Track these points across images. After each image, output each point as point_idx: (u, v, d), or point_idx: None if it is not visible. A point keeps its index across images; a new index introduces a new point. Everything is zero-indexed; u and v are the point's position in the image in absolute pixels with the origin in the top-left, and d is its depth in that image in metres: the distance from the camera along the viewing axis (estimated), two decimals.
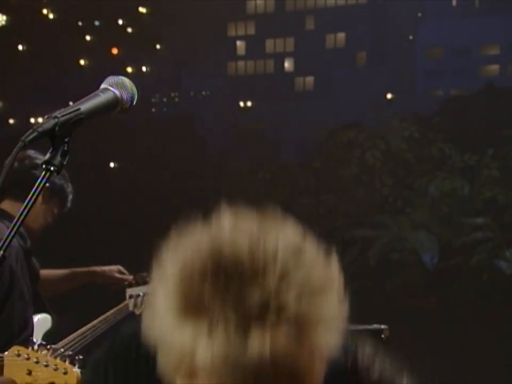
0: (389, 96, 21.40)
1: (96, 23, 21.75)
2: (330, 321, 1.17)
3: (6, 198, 3.51)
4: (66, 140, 1.49)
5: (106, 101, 1.56)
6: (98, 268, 3.93)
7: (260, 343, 1.11)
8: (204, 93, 24.27)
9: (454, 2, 23.42)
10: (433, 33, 22.51)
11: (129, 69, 21.72)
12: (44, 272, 3.90)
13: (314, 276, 1.16)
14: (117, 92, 1.58)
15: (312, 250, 1.18)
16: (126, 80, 1.61)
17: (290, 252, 1.15)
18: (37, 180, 3.52)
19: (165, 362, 1.14)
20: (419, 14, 23.28)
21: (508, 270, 15.76)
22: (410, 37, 23.15)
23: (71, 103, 1.51)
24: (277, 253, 1.13)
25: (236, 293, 1.11)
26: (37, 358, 2.30)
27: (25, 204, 1.45)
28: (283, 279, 1.13)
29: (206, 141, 20.24)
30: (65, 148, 1.49)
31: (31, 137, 1.45)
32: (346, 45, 23.14)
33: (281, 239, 1.15)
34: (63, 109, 1.50)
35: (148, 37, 21.71)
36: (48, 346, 2.34)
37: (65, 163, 1.48)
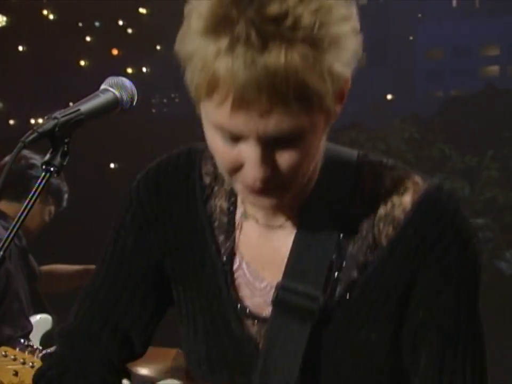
0: (389, 97, 21.41)
1: (96, 24, 21.75)
2: (344, 51, 1.28)
3: (2, 199, 3.52)
4: (66, 140, 1.49)
5: (106, 101, 1.56)
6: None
7: (275, 57, 1.22)
8: None
9: (454, 3, 23.43)
10: (433, 34, 22.52)
11: (129, 70, 21.71)
12: (57, 268, 3.93)
13: (334, 7, 1.28)
14: (117, 93, 1.58)
15: None
16: (126, 81, 1.62)
17: (320, 3, 1.26)
18: (33, 180, 3.53)
19: (192, 81, 1.29)
20: (419, 15, 23.30)
21: (508, 271, 15.75)
22: (411, 38, 23.17)
23: (71, 103, 1.51)
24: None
25: (257, 8, 1.22)
26: (23, 359, 2.30)
27: (24, 205, 1.46)
28: (299, 3, 1.24)
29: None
30: (65, 149, 1.49)
31: (31, 138, 1.45)
32: None
33: None
34: (63, 110, 1.50)
35: (148, 37, 21.71)
36: (35, 347, 2.36)
37: (65, 164, 1.48)
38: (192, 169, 1.50)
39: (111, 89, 1.55)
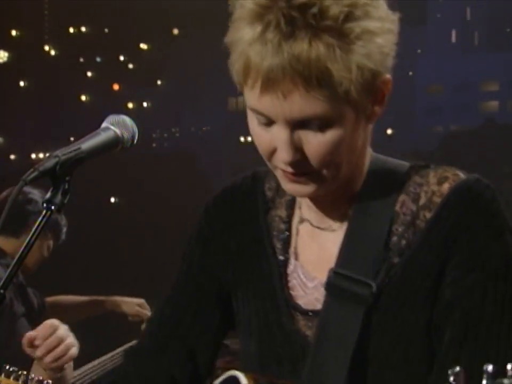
0: (389, 131, 21.47)
1: (98, 59, 21.89)
2: (373, 47, 1.35)
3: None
4: (67, 178, 1.49)
5: (107, 139, 1.56)
6: (119, 298, 3.91)
7: (300, 43, 1.31)
8: (204, 128, 24.35)
9: (454, 39, 23.59)
10: (432, 70, 22.64)
11: (130, 104, 21.81)
12: (62, 299, 3.90)
13: (369, 5, 1.36)
14: (117, 131, 1.58)
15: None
16: (127, 119, 1.61)
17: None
18: (31, 215, 3.48)
19: (233, 67, 1.39)
20: (418, 51, 23.42)
21: None
22: (410, 73, 23.28)
23: (72, 138, 1.51)
24: None
25: (285, 11, 1.33)
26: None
27: (25, 243, 1.45)
28: (331, 3, 1.33)
29: (207, 176, 20.28)
30: (66, 187, 1.48)
31: (32, 176, 1.44)
32: None
33: None
34: (64, 148, 1.50)
35: (149, 72, 21.84)
36: (20, 372, 2.35)
37: (66, 202, 1.48)
38: (256, 186, 1.57)
39: (112, 127, 1.55)
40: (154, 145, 22.74)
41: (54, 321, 2.17)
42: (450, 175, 1.47)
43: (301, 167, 1.39)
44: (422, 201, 1.45)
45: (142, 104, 22.61)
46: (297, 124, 1.36)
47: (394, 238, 1.45)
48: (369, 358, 1.41)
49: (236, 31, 1.38)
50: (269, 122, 1.38)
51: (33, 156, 20.19)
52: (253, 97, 1.38)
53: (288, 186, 1.43)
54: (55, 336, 2.18)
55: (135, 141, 1.62)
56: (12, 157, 20.99)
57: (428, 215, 1.43)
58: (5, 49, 20.92)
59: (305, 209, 1.51)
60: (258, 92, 1.35)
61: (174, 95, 22.81)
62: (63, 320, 3.97)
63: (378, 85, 1.40)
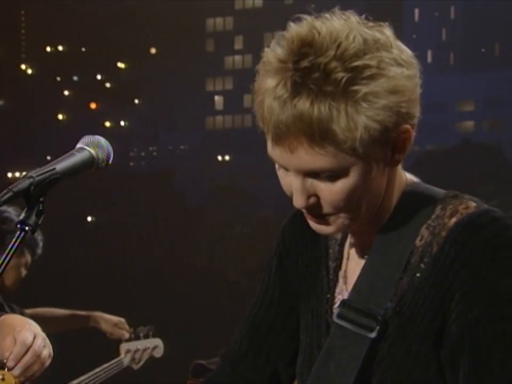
0: None
1: (74, 78, 21.86)
2: (377, 107, 1.37)
3: None
4: (41, 199, 1.49)
5: (81, 160, 1.55)
6: (99, 315, 3.89)
7: (303, 104, 1.37)
8: (182, 147, 24.36)
9: (429, 59, 23.78)
10: None
11: (107, 123, 21.78)
12: (44, 311, 3.87)
13: (378, 66, 1.39)
14: (92, 151, 1.58)
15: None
16: (101, 140, 1.62)
17: (356, 48, 1.40)
18: (6, 235, 3.42)
19: (256, 114, 1.45)
20: None
21: None
22: None
23: (49, 157, 1.52)
24: (344, 44, 1.40)
25: (297, 60, 1.40)
26: None
27: None
28: (339, 58, 1.39)
29: (184, 194, 20.26)
30: (40, 207, 1.48)
31: (6, 197, 1.44)
32: None
33: (357, 37, 1.42)
34: (38, 169, 1.50)
35: (126, 91, 21.83)
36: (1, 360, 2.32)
37: (40, 223, 1.48)
38: None
39: (87, 148, 1.55)
40: (131, 164, 22.72)
41: (27, 338, 2.14)
42: (462, 208, 1.48)
43: (317, 211, 1.44)
44: (435, 233, 1.47)
45: (119, 123, 22.60)
46: (308, 174, 1.41)
47: (409, 270, 1.47)
48: None
49: (260, 80, 1.44)
50: (285, 168, 1.45)
51: (9, 174, 20.09)
52: (269, 146, 1.45)
53: (312, 224, 1.49)
54: (30, 351, 2.16)
55: (110, 162, 1.62)
56: None
57: (435, 249, 1.46)
58: None
59: (353, 235, 1.56)
60: (271, 142, 1.43)
61: (151, 114, 22.81)
62: (44, 331, 3.94)
63: (394, 136, 1.41)
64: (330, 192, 1.41)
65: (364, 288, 1.49)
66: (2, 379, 2.19)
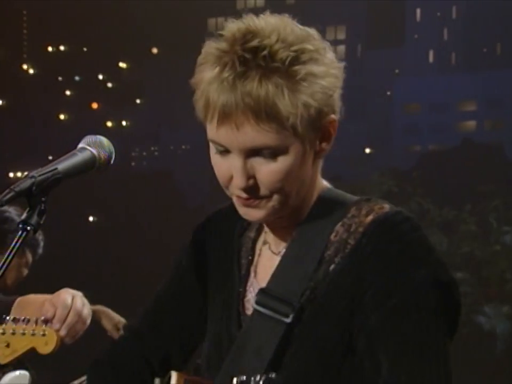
0: (367, 150, 21.56)
1: (76, 78, 21.86)
2: (317, 88, 1.53)
3: None
4: (43, 199, 1.49)
5: (83, 160, 1.57)
6: (102, 309, 3.87)
7: (251, 81, 1.50)
8: (184, 147, 24.34)
9: (431, 59, 23.77)
10: (410, 89, 22.78)
11: (109, 123, 21.77)
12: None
13: (314, 52, 1.55)
14: (94, 151, 1.59)
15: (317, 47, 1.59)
16: (103, 140, 1.63)
17: (295, 36, 1.56)
18: (7, 235, 3.45)
19: (196, 106, 1.59)
20: (396, 70, 23.57)
21: (486, 325, 15.74)
22: (388, 93, 23.42)
23: (50, 157, 1.52)
24: (283, 32, 1.56)
25: (242, 43, 1.54)
26: (13, 329, 2.36)
27: (1, 264, 1.45)
28: (281, 41, 1.53)
29: (185, 194, 20.26)
30: (42, 207, 1.49)
31: (8, 197, 1.45)
32: None
33: (294, 29, 1.59)
34: (40, 169, 1.51)
35: (128, 91, 21.82)
36: (23, 318, 2.38)
37: (42, 222, 1.48)
38: (237, 211, 1.72)
39: (88, 148, 1.56)
40: (133, 163, 22.69)
41: (66, 300, 2.22)
42: (376, 208, 1.61)
43: (253, 192, 1.56)
44: (351, 230, 1.59)
45: (121, 123, 22.58)
46: (250, 153, 1.54)
47: (324, 263, 1.59)
48: (283, 372, 1.53)
49: (199, 73, 1.57)
50: (226, 151, 1.57)
51: (11, 174, 20.09)
52: (211, 130, 1.57)
53: (242, 211, 1.61)
54: (71, 311, 2.23)
55: (112, 162, 1.63)
56: None
57: (352, 242, 1.58)
58: None
59: (268, 233, 1.68)
60: (216, 124, 1.54)
61: (153, 114, 22.81)
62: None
63: (324, 124, 1.57)
64: (269, 171, 1.54)
65: (281, 278, 1.60)
66: (43, 334, 2.25)
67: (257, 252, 1.69)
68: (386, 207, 1.61)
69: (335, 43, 23.74)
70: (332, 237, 1.60)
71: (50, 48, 21.50)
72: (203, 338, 1.75)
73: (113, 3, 19.33)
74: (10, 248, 1.44)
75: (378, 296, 1.51)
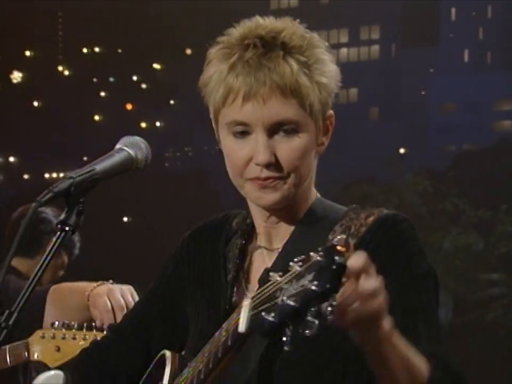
0: (401, 151, 21.44)
1: (111, 79, 21.99)
2: (326, 71, 1.66)
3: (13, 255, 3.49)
4: (81, 199, 1.49)
5: (121, 161, 1.57)
6: None
7: (276, 58, 1.63)
8: (217, 147, 24.36)
9: (466, 59, 23.59)
10: (445, 89, 22.63)
11: (143, 124, 21.88)
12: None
13: (316, 42, 1.69)
14: (131, 152, 1.59)
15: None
16: (140, 140, 1.63)
17: (300, 32, 1.68)
18: (44, 235, 3.46)
19: (210, 99, 1.67)
20: (431, 70, 23.43)
21: None
22: (423, 92, 23.27)
23: (85, 158, 1.53)
24: (291, 27, 1.68)
25: (262, 28, 1.66)
26: (63, 334, 2.37)
27: (39, 265, 1.45)
28: (293, 30, 1.67)
29: (219, 194, 20.28)
30: (80, 208, 1.49)
31: (46, 197, 1.45)
32: (359, 100, 23.28)
33: (298, 27, 1.70)
34: (78, 169, 1.51)
35: (162, 92, 21.91)
36: (73, 323, 2.38)
37: (80, 223, 1.48)
38: (226, 221, 1.84)
39: (126, 148, 1.56)
40: (167, 164, 22.78)
41: (106, 305, 2.22)
42: (376, 212, 1.71)
43: (273, 170, 1.65)
44: (351, 231, 1.69)
45: (154, 124, 22.68)
46: (273, 128, 1.64)
47: None
48: (281, 360, 1.59)
49: (210, 70, 1.66)
50: (245, 132, 1.66)
51: (46, 175, 20.26)
52: (233, 110, 1.65)
53: (257, 195, 1.68)
54: (116, 311, 2.23)
55: (149, 162, 1.63)
56: (26, 176, 21.07)
57: (354, 240, 1.66)
58: (19, 69, 21.05)
59: (261, 236, 1.75)
60: (240, 103, 1.63)
61: (186, 114, 22.87)
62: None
63: (327, 116, 1.70)
64: (290, 147, 1.64)
65: (284, 262, 1.59)
66: (84, 338, 2.25)
67: (247, 257, 1.76)
68: (384, 210, 1.71)
69: (369, 43, 23.64)
70: (330, 235, 1.68)
71: (85, 50, 21.66)
72: (184, 344, 1.81)
73: (147, 5, 19.42)
74: (49, 249, 1.44)
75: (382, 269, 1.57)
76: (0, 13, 18.18)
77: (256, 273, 1.73)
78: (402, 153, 21.33)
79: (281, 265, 1.61)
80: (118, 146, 1.59)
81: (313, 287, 1.30)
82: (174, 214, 18.49)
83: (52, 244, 1.45)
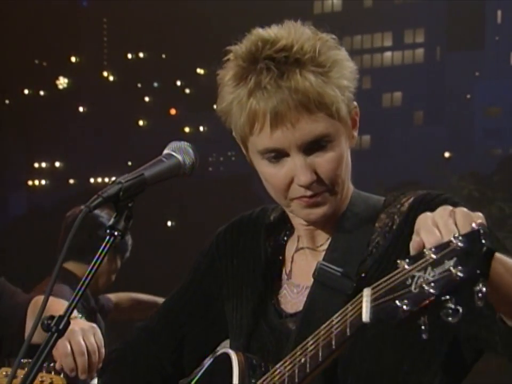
0: (446, 154, 21.27)
1: (155, 84, 22.12)
2: (345, 70, 1.63)
3: (70, 259, 3.51)
4: (130, 204, 1.50)
5: (169, 166, 1.57)
6: None
7: (293, 77, 1.57)
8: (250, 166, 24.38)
9: None
10: (491, 92, 22.40)
11: (186, 129, 21.98)
12: (137, 297, 3.93)
13: (327, 41, 1.65)
14: (179, 158, 1.59)
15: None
16: (188, 146, 1.63)
17: (308, 34, 1.65)
18: (101, 241, 3.45)
19: (236, 126, 1.62)
20: (477, 73, 23.21)
21: None
22: (468, 96, 23.06)
23: (130, 163, 1.53)
24: (298, 32, 1.64)
25: (269, 46, 1.60)
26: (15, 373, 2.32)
27: (89, 270, 1.46)
28: (302, 37, 1.65)
29: (263, 199, 20.28)
30: (129, 213, 1.50)
31: (96, 202, 1.46)
32: (403, 104, 23.13)
33: (304, 29, 1.66)
34: (126, 175, 1.51)
35: (205, 97, 21.96)
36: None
37: (128, 228, 1.49)
38: (264, 215, 1.82)
39: (174, 154, 1.57)
40: (210, 169, 22.85)
41: (80, 346, 2.06)
42: (414, 193, 1.72)
43: (317, 187, 1.63)
44: (395, 217, 1.69)
45: (198, 128, 22.76)
46: (308, 147, 1.61)
47: (373, 244, 1.68)
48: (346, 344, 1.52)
49: (227, 96, 1.62)
50: (280, 156, 1.62)
51: (91, 180, 20.42)
52: (263, 139, 1.60)
53: (305, 212, 1.66)
54: (76, 356, 2.09)
55: (196, 167, 1.63)
56: (71, 181, 21.26)
57: (398, 220, 1.68)
58: (64, 75, 21.26)
59: (303, 238, 1.73)
60: (269, 131, 1.58)
61: None
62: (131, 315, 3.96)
63: (351, 110, 1.67)
64: (328, 160, 1.62)
65: (335, 257, 1.66)
66: (50, 383, 2.21)
67: (288, 258, 1.74)
68: (425, 191, 1.71)
69: (413, 46, 23.48)
70: (377, 224, 1.69)
71: (129, 55, 21.82)
72: (217, 342, 1.80)
73: (191, 10, 19.51)
74: (99, 253, 1.45)
75: None
76: (46, 20, 18.39)
77: (298, 271, 1.72)
78: (447, 157, 21.16)
79: (331, 260, 1.64)
80: (166, 151, 1.60)
81: (459, 273, 1.25)
82: (217, 219, 18.50)
83: (101, 248, 1.46)
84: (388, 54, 22.91)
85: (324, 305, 1.62)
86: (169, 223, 20.58)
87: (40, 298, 2.26)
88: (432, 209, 1.51)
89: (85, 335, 1.98)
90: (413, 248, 1.38)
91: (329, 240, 1.71)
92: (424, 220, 1.40)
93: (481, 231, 1.28)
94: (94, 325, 2.02)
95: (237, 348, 1.71)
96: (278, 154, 1.62)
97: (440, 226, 1.36)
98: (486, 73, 23.03)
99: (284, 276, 1.73)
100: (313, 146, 1.61)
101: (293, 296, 1.72)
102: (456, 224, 1.35)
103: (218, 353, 1.69)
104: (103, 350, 2.00)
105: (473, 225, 1.32)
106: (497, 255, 1.35)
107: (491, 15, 23.14)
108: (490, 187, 17.78)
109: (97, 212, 3.50)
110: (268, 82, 1.57)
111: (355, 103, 1.68)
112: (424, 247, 1.34)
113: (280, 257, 1.75)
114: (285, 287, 1.72)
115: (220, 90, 1.65)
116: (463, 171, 18.80)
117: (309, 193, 1.63)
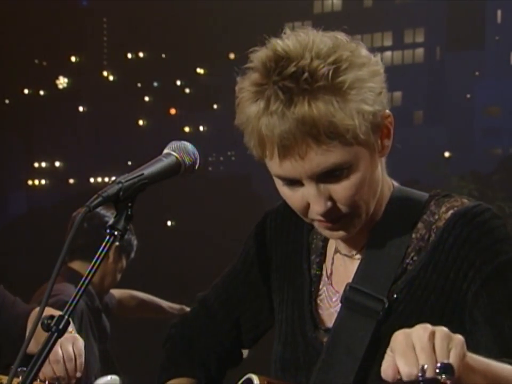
0: (446, 154, 21.27)
1: (155, 84, 22.14)
2: (365, 91, 1.49)
3: (76, 258, 3.51)
4: (129, 204, 1.50)
5: (169, 166, 1.57)
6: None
7: (301, 107, 1.46)
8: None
9: None
10: (490, 92, 22.41)
11: (186, 129, 21.99)
12: (145, 296, 3.94)
13: (350, 57, 1.51)
14: (179, 157, 1.59)
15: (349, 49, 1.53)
16: (188, 145, 1.63)
17: (327, 47, 1.51)
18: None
19: (250, 144, 1.54)
20: (476, 73, 23.22)
21: None
22: (468, 96, 23.07)
23: (130, 162, 1.53)
24: (315, 47, 1.51)
25: (279, 71, 1.49)
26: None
27: (88, 270, 1.46)
28: (316, 57, 1.49)
29: (262, 199, 20.29)
30: (129, 213, 1.50)
31: (95, 202, 1.46)
32: (403, 104, 23.14)
33: (322, 40, 1.53)
34: (126, 174, 1.51)
35: (205, 97, 22.00)
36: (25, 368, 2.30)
37: (128, 227, 1.49)
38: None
39: (174, 153, 1.56)
40: (210, 168, 22.86)
41: (58, 354, 2.04)
42: (457, 204, 1.60)
43: (334, 214, 1.53)
44: (432, 227, 1.59)
45: (198, 128, 22.78)
46: (320, 177, 1.51)
47: (408, 260, 1.59)
48: (375, 368, 1.46)
49: (243, 112, 1.54)
50: (294, 182, 1.53)
51: (91, 179, 20.43)
52: (274, 166, 1.53)
53: (327, 233, 1.59)
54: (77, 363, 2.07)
55: (196, 167, 1.63)
56: (71, 181, 21.28)
57: (432, 238, 1.58)
58: (64, 75, 21.28)
59: (338, 242, 1.66)
60: (278, 160, 1.50)
61: (230, 118, 22.82)
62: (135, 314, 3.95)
63: (381, 121, 1.54)
64: (344, 188, 1.51)
65: (366, 276, 1.58)
66: None
67: (329, 258, 1.68)
68: (466, 201, 1.60)
69: (413, 46, 23.49)
70: (413, 234, 1.60)
71: (129, 55, 21.84)
72: (268, 328, 1.78)
73: (190, 10, 19.52)
74: (99, 253, 1.45)
75: (471, 273, 1.53)
76: (46, 20, 18.40)
77: (337, 277, 1.65)
78: (447, 157, 21.16)
79: (363, 276, 1.58)
80: (166, 151, 1.59)
81: None
82: (217, 218, 18.53)
83: (101, 248, 1.46)
84: (387, 53, 22.91)
85: (353, 328, 1.56)
86: (169, 223, 20.59)
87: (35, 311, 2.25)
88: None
89: (62, 344, 1.96)
90: (385, 371, 1.31)
91: (363, 250, 1.62)
92: (401, 340, 1.30)
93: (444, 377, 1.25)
94: (77, 335, 2.00)
95: (274, 353, 1.69)
96: (290, 182, 1.53)
97: (417, 351, 1.28)
98: (486, 73, 23.04)
99: (325, 278, 1.67)
100: (326, 176, 1.50)
101: (331, 304, 1.65)
102: (434, 348, 1.28)
103: (244, 378, 1.63)
104: (81, 360, 1.95)
105: (442, 363, 1.27)
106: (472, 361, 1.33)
107: (491, 15, 23.14)
108: (490, 187, 17.77)
109: (103, 211, 3.52)
110: (275, 110, 1.47)
111: (387, 111, 1.54)
112: (398, 372, 1.29)
113: (322, 253, 1.68)
114: (324, 290, 1.66)
115: (237, 102, 1.56)
116: (463, 171, 18.80)
117: (325, 220, 1.54)
